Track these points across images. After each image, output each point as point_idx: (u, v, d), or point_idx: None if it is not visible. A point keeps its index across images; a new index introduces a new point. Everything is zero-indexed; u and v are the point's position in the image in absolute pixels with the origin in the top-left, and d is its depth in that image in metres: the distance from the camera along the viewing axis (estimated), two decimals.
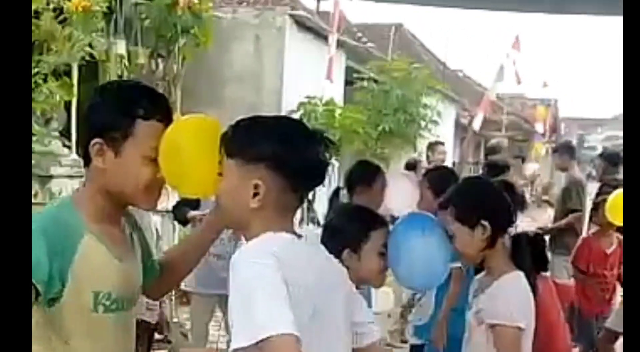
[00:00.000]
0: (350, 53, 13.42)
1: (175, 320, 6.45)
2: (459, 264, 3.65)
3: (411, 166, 8.14)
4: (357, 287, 2.48)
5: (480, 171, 10.23)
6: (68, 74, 7.20)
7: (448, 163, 19.40)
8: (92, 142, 1.87)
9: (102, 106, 1.91)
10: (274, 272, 1.64)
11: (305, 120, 10.51)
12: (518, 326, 2.45)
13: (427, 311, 4.05)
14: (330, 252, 2.47)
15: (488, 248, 2.55)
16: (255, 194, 1.74)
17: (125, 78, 9.39)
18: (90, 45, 7.17)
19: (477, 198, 2.62)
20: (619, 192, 5.29)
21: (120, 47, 9.23)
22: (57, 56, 6.64)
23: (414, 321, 4.45)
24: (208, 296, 5.19)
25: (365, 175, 4.25)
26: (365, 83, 12.25)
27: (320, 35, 11.79)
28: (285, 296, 1.62)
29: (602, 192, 6.42)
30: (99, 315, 1.87)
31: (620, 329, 5.08)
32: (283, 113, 10.80)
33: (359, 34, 17.64)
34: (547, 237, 5.95)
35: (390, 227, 2.66)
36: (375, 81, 12.23)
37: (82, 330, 1.85)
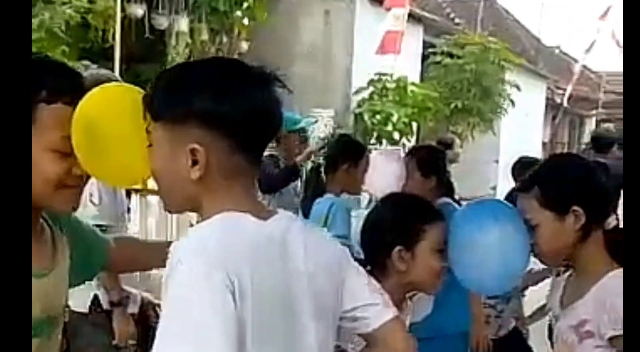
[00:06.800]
0: (429, 28, 12.87)
1: None
2: None
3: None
4: (405, 297, 2.10)
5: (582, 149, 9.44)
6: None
7: (538, 143, 18.70)
8: None
9: None
10: (216, 290, 1.27)
11: (375, 98, 10.18)
12: None
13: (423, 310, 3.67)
14: (374, 252, 2.08)
15: (579, 242, 2.05)
16: (195, 162, 1.37)
17: (189, 57, 9.24)
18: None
19: (569, 179, 2.09)
20: None
21: (183, 24, 9.10)
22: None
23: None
24: None
25: (352, 152, 3.90)
26: (438, 58, 11.66)
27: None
28: (224, 322, 1.26)
29: None
30: None
31: None
32: (352, 90, 10.42)
33: (448, 10, 17.01)
34: None
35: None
36: (450, 56, 11.62)
37: None
